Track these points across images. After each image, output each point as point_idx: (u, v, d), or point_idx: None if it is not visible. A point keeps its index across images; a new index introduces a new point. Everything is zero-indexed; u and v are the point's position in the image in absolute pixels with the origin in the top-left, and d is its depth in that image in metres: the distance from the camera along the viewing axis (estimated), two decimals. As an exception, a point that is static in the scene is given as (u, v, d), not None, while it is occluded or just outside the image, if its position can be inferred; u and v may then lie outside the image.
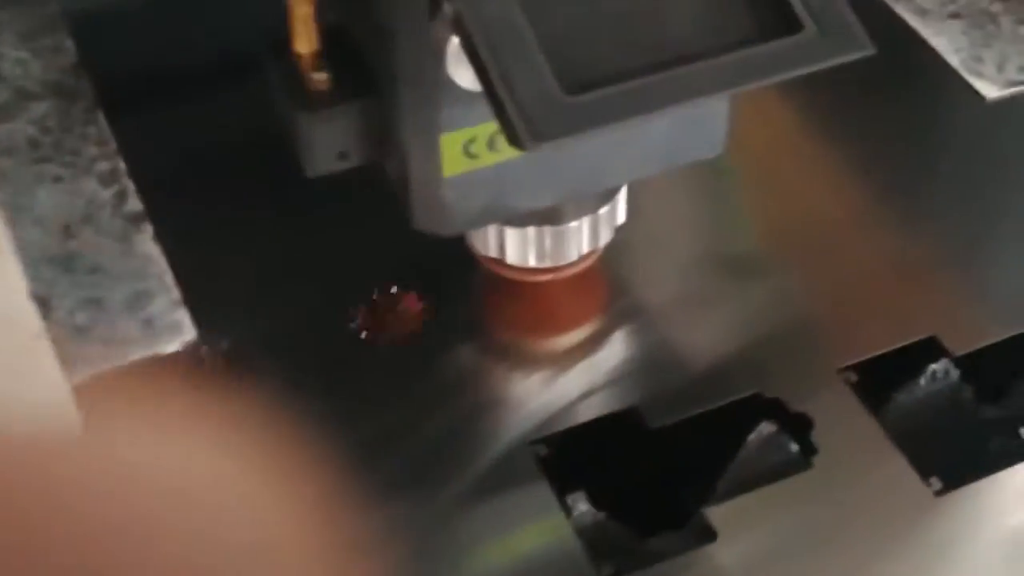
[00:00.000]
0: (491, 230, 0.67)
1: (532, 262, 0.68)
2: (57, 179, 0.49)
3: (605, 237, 0.69)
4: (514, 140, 0.46)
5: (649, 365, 0.69)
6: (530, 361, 0.70)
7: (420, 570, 0.62)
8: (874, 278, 0.73)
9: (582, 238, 0.68)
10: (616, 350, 0.70)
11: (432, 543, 0.63)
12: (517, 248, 0.67)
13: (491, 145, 0.59)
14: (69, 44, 0.52)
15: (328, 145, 0.59)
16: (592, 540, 0.63)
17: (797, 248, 0.75)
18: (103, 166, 0.49)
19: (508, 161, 0.59)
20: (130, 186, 0.48)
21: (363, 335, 0.68)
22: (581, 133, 0.47)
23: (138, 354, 0.48)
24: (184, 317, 0.49)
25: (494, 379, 0.69)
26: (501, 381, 0.69)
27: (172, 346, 0.48)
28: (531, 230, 0.66)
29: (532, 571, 0.62)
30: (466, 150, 0.58)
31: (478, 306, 0.72)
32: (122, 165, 0.48)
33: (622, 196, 0.68)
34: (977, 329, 0.69)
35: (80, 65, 0.51)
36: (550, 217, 0.66)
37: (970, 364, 0.68)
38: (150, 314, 0.48)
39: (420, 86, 0.56)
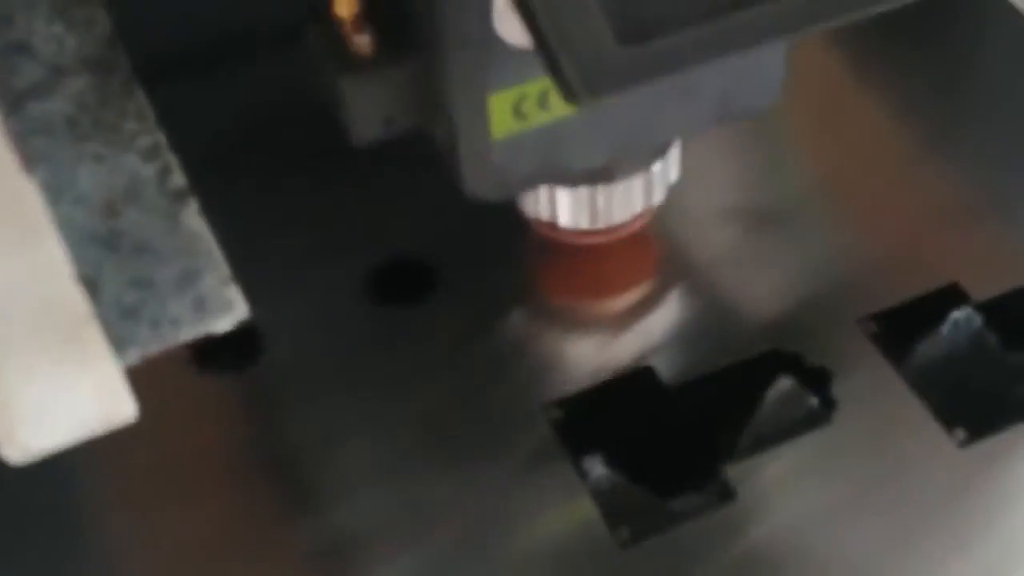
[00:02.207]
0: (542, 191, 0.65)
1: (585, 224, 0.66)
2: (98, 157, 0.47)
3: (659, 194, 0.66)
4: (569, 94, 0.44)
5: (663, 323, 0.68)
6: (543, 322, 0.69)
7: (434, 533, 0.60)
8: (892, 226, 0.71)
9: (635, 197, 0.65)
10: (631, 307, 0.68)
11: (448, 509, 0.61)
12: (570, 209, 0.65)
13: (542, 104, 0.56)
14: (103, 16, 0.50)
15: (373, 110, 0.57)
16: (608, 504, 0.62)
17: (813, 200, 0.73)
18: (144, 141, 0.47)
19: (559, 120, 0.57)
20: (173, 161, 0.46)
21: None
22: (639, 85, 0.44)
23: (190, 334, 0.46)
24: (235, 294, 0.46)
25: (500, 344, 0.67)
26: (510, 346, 0.67)
27: (224, 324, 0.46)
28: (584, 190, 0.64)
29: (548, 538, 0.61)
30: (516, 110, 0.56)
31: (496, 278, 0.70)
32: (164, 139, 0.45)
33: (675, 152, 0.66)
34: (1000, 274, 0.68)
35: (115, 37, 0.48)
36: (603, 176, 0.64)
37: (994, 311, 0.66)
38: (200, 292, 0.46)
39: (466, 44, 0.53)
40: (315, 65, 0.57)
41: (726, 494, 0.61)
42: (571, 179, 0.63)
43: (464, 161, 0.58)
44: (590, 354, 0.66)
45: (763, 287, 0.68)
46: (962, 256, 0.69)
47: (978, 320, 0.66)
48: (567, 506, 0.61)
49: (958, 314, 0.66)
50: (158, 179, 0.46)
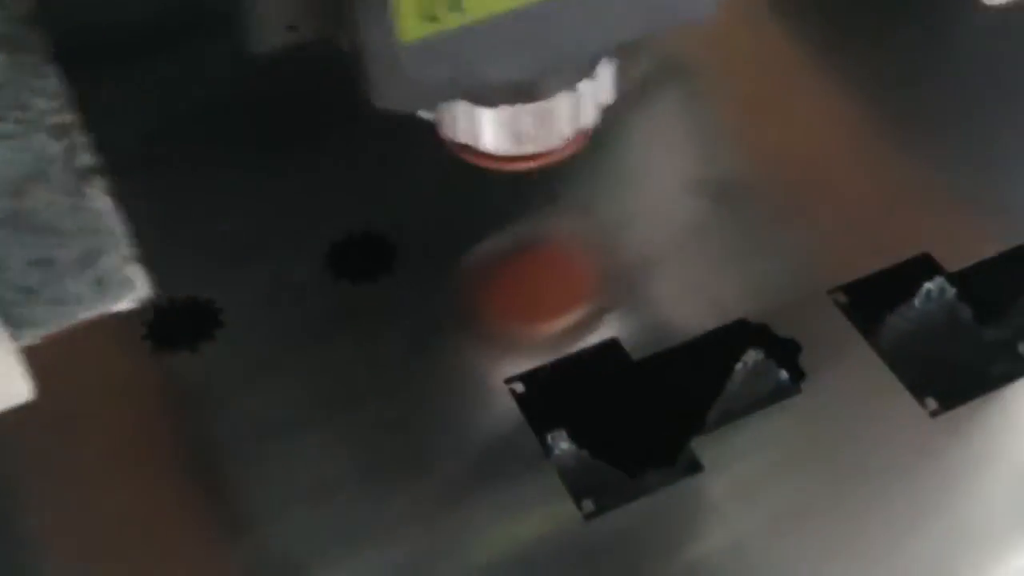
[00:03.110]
0: (461, 112, 0.62)
1: (509, 147, 0.62)
2: (6, 135, 0.46)
3: (590, 117, 0.63)
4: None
5: (629, 295, 0.67)
6: (505, 297, 0.68)
7: (398, 512, 0.59)
8: (862, 197, 0.70)
9: (562, 117, 0.62)
10: (595, 280, 0.68)
11: (410, 485, 0.60)
12: (491, 132, 0.62)
13: (453, 5, 0.54)
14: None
15: (275, 15, 0.55)
16: (573, 477, 0.61)
17: (780, 170, 0.72)
18: (54, 120, 0.46)
19: (474, 24, 0.54)
20: (81, 140, 0.45)
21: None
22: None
23: (90, 313, 0.46)
24: (137, 273, 0.46)
25: (462, 319, 0.67)
26: (473, 321, 0.67)
27: (124, 304, 0.46)
28: (507, 109, 0.61)
29: (512, 512, 0.60)
30: (425, 12, 0.53)
31: (457, 250, 0.69)
32: (75, 119, 0.45)
33: (607, 71, 0.63)
34: (972, 245, 0.67)
35: (35, 16, 0.48)
36: (527, 94, 0.61)
37: (966, 282, 0.65)
38: (101, 272, 0.46)
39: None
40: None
41: (693, 467, 0.60)
42: (493, 99, 0.61)
43: (371, 68, 0.55)
44: (555, 328, 0.65)
45: (731, 259, 0.67)
46: (932, 228, 0.68)
47: (951, 291, 0.65)
48: (531, 481, 0.60)
49: (931, 285, 0.65)
50: (65, 157, 0.46)
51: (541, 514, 0.59)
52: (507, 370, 0.64)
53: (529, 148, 0.63)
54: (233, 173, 0.73)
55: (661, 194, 0.71)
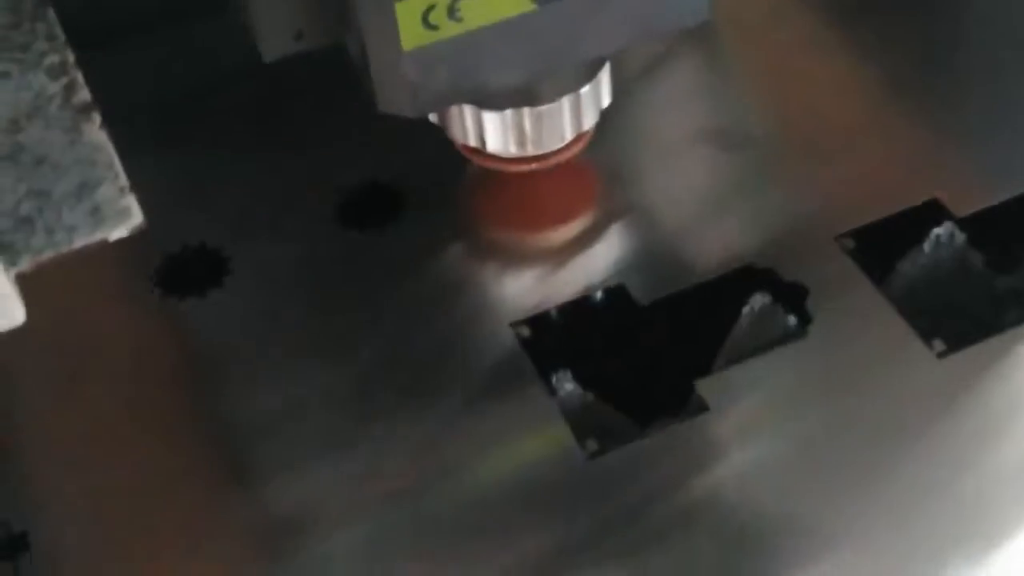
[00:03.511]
0: (468, 116, 0.64)
1: (513, 149, 0.65)
2: (5, 75, 0.48)
3: (590, 120, 0.66)
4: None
5: (636, 241, 0.67)
6: (516, 244, 0.68)
7: (405, 452, 0.60)
8: (868, 142, 0.70)
9: (564, 120, 0.64)
10: (601, 228, 0.67)
11: (411, 424, 0.60)
12: (496, 134, 0.64)
13: (452, 13, 0.56)
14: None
15: (282, 23, 0.57)
16: (578, 419, 0.60)
17: (787, 115, 0.72)
18: (52, 59, 0.48)
19: (472, 32, 0.57)
20: (79, 77, 0.47)
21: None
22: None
23: (84, 240, 0.47)
24: (132, 202, 0.47)
25: (470, 266, 0.67)
26: (480, 267, 0.67)
27: (119, 232, 0.47)
28: (509, 113, 0.63)
29: (515, 451, 0.60)
30: (425, 20, 0.55)
31: (465, 199, 0.70)
32: (72, 57, 0.47)
33: (605, 74, 0.65)
34: (982, 189, 0.66)
35: None
36: (528, 98, 0.63)
37: (976, 227, 0.65)
38: (97, 201, 0.47)
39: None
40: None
41: (698, 407, 0.60)
42: (497, 102, 0.63)
43: (375, 74, 0.57)
44: (562, 273, 0.65)
45: (739, 207, 0.67)
46: (941, 174, 0.67)
47: (961, 236, 0.64)
48: (535, 422, 0.60)
49: (939, 230, 0.65)
50: (63, 95, 0.47)
51: (545, 454, 0.59)
52: (513, 314, 0.64)
53: (531, 150, 0.65)
54: (244, 130, 0.74)
55: (671, 144, 0.71)
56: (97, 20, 0.66)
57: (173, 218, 0.68)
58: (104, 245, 0.45)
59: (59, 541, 0.58)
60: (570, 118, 0.64)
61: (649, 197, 0.68)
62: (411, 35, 0.56)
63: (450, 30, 0.56)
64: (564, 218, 0.68)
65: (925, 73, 0.73)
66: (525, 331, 0.63)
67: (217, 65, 0.76)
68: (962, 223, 0.65)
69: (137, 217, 0.47)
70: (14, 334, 0.45)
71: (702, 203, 0.68)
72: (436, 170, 0.69)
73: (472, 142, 0.65)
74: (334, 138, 0.72)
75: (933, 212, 0.65)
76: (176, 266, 0.67)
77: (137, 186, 0.46)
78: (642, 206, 0.68)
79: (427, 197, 0.69)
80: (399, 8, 0.54)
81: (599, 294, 0.64)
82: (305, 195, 0.70)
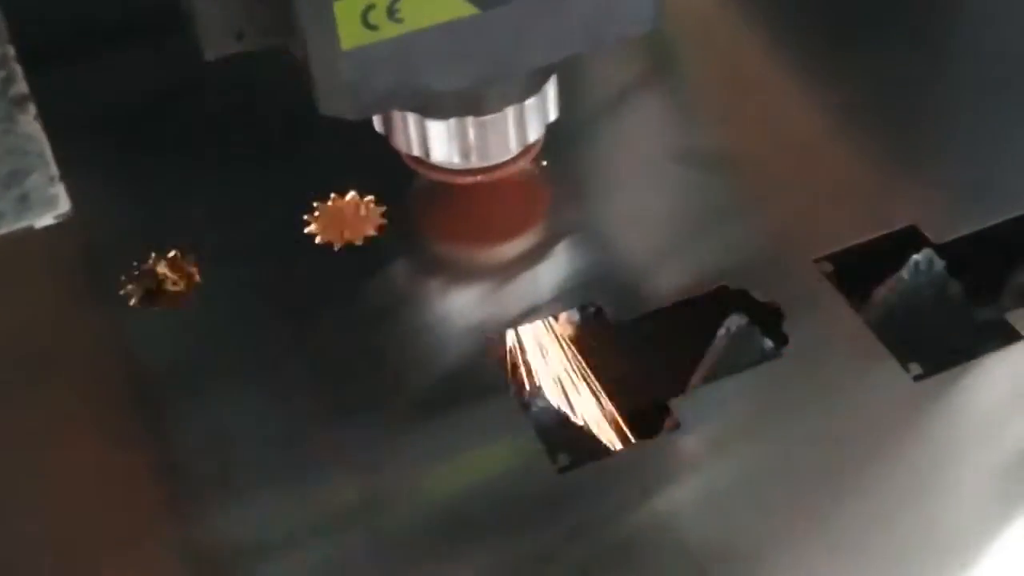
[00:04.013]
0: (412, 125, 0.63)
1: (456, 160, 0.64)
2: None
3: (534, 132, 0.65)
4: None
5: (611, 261, 0.66)
6: (487, 261, 0.67)
7: (377, 466, 0.58)
8: (848, 168, 0.69)
9: (508, 131, 0.64)
10: (576, 245, 0.67)
11: (391, 440, 0.59)
12: (440, 143, 0.63)
13: (391, 14, 0.55)
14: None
15: (223, 23, 0.57)
16: (550, 434, 0.60)
17: (769, 145, 0.71)
18: None
19: (413, 33, 0.56)
20: (18, 70, 0.47)
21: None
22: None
23: (10, 227, 0.48)
24: (60, 191, 0.48)
25: (449, 277, 0.66)
26: (455, 279, 0.66)
27: (45, 220, 0.48)
28: (453, 122, 0.63)
29: (487, 466, 0.59)
30: (365, 19, 0.55)
31: (429, 211, 0.69)
32: (12, 51, 0.47)
33: (551, 88, 0.64)
34: (958, 220, 0.66)
35: None
36: (472, 107, 0.63)
37: (953, 255, 0.65)
38: (25, 189, 0.48)
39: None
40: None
41: (671, 427, 0.59)
42: (438, 111, 0.62)
43: (315, 74, 0.57)
44: (535, 291, 0.65)
45: (714, 228, 0.66)
46: (918, 200, 0.67)
47: (939, 263, 0.64)
48: (506, 436, 0.59)
49: (918, 256, 0.64)
50: (1, 87, 0.47)
51: (513, 467, 0.58)
52: (488, 329, 0.63)
53: (475, 161, 0.65)
54: (213, 141, 0.73)
55: (646, 163, 0.70)
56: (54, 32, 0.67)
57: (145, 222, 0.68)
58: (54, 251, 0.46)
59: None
60: (515, 129, 0.64)
61: (625, 217, 0.68)
62: (350, 35, 0.55)
63: (390, 31, 0.56)
64: (538, 237, 0.67)
65: (905, 96, 0.73)
66: (499, 346, 0.63)
67: (180, 74, 0.74)
68: (940, 249, 0.64)
69: (64, 206, 0.48)
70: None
71: (675, 222, 0.68)
72: (386, 182, 0.69)
73: (416, 151, 0.64)
74: (308, 148, 0.71)
75: (911, 238, 0.65)
76: (135, 277, 0.66)
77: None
78: (618, 224, 0.67)
79: (402, 212, 0.68)
80: (338, 8, 0.54)
81: (573, 312, 0.64)
82: (266, 208, 0.69)
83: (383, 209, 0.67)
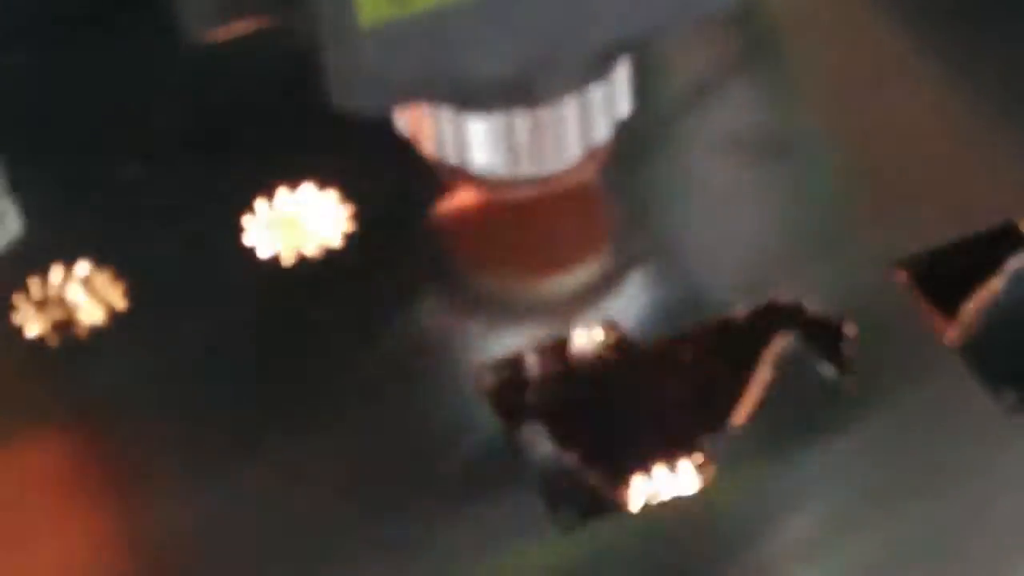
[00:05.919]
0: (447, 126, 0.54)
1: (502, 165, 0.54)
2: None
3: (602, 131, 0.55)
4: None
5: (636, 273, 0.57)
6: (488, 264, 0.58)
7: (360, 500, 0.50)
8: (932, 154, 0.60)
9: (569, 128, 0.54)
10: (598, 247, 0.58)
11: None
12: (483, 144, 0.54)
13: None
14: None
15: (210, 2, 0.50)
16: (552, 485, 0.51)
17: (833, 122, 0.62)
18: None
19: (449, 6, 0.48)
20: None
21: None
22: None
23: None
24: (8, 206, 0.49)
25: (440, 307, 0.57)
26: (451, 291, 0.57)
27: None
28: (497, 117, 0.53)
29: (482, 514, 0.49)
30: None
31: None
32: None
33: (623, 77, 0.55)
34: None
35: None
36: (522, 97, 0.53)
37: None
38: None
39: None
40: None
41: (705, 476, 0.50)
42: (479, 102, 0.53)
43: (328, 59, 0.49)
44: (542, 305, 0.56)
45: (766, 230, 0.57)
46: (1018, 189, 0.57)
47: (1043, 267, 0.55)
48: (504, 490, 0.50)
49: (1016, 261, 0.55)
50: None
51: (508, 526, 0.49)
52: (481, 355, 0.54)
53: (527, 168, 0.55)
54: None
55: (688, 153, 0.61)
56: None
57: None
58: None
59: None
60: (578, 128, 0.55)
61: (659, 220, 0.59)
62: (372, 9, 0.47)
63: (420, 3, 0.48)
64: (557, 238, 0.58)
65: (1010, 81, 0.63)
66: (490, 378, 0.54)
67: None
68: (1040, 251, 0.56)
69: (13, 224, 0.49)
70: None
71: (721, 221, 0.58)
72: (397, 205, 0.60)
73: (450, 156, 0.55)
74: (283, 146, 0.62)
75: (1006, 238, 0.56)
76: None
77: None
78: (654, 234, 0.58)
79: (384, 220, 0.59)
80: None
81: (586, 333, 0.54)
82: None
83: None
